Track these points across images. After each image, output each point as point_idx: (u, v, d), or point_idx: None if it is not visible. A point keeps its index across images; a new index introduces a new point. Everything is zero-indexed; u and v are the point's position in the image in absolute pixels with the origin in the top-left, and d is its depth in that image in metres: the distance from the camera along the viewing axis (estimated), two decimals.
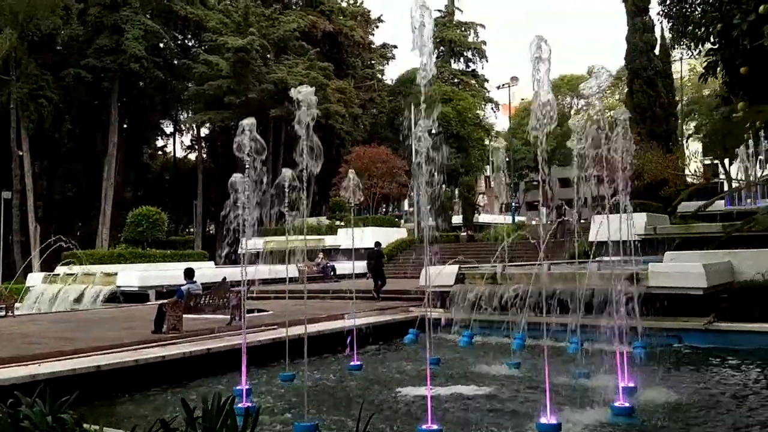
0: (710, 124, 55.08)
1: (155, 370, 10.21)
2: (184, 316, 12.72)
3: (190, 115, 49.43)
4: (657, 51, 33.19)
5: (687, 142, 54.93)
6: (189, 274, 13.16)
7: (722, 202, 37.85)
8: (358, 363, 11.00)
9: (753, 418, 7.31)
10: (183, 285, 13.01)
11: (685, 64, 45.70)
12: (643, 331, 11.75)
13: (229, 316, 13.45)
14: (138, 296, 22.49)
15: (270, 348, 11.45)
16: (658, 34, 34.74)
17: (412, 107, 43.36)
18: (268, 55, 44.23)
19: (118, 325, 14.47)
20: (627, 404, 7.30)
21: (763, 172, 54.71)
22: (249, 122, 9.46)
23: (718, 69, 6.39)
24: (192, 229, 57.64)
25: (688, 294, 12.60)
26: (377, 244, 23.37)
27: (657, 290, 12.69)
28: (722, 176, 63.37)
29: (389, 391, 9.23)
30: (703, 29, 5.89)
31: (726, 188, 61.11)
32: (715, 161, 63.42)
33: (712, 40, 5.88)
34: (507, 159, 65.73)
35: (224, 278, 13.52)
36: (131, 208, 34.21)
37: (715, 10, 5.41)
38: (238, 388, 8.99)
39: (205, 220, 53.56)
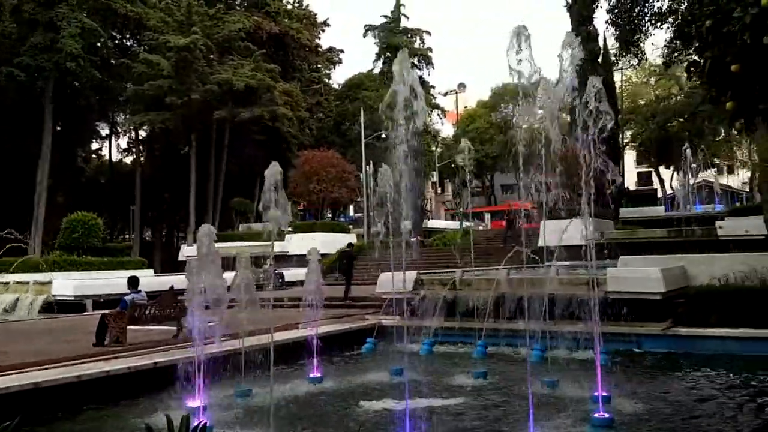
0: (646, 134, 57.08)
1: (99, 387, 9.46)
2: (128, 327, 11.91)
3: (128, 116, 47.52)
4: (600, 60, 33.82)
5: (624, 150, 56.54)
6: (133, 283, 12.35)
7: (662, 208, 39.16)
8: (318, 375, 10.48)
9: (734, 427, 7.21)
10: (127, 294, 12.18)
11: (622, 74, 47.02)
12: (603, 337, 11.70)
13: (175, 328, 12.70)
14: (74, 306, 21.33)
15: (223, 361, 10.80)
16: (601, 43, 35.51)
17: (362, 114, 43.22)
18: (212, 56, 43.04)
19: (56, 337, 13.50)
20: (607, 415, 7.05)
21: (695, 180, 56.86)
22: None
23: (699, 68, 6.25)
24: (129, 236, 55.57)
25: (646, 299, 12.61)
26: (350, 245, 23.26)
27: (615, 295, 12.64)
28: (656, 183, 65.79)
29: (354, 406, 8.75)
30: (692, 27, 5.73)
31: (660, 195, 63.41)
32: (649, 169, 65.81)
33: (698, 39, 5.73)
34: (453, 165, 66.31)
35: (172, 287, 12.75)
36: (65, 213, 32.50)
37: (711, 3, 5.27)
38: (191, 405, 8.36)
39: (142, 227, 51.67)
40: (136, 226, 47.96)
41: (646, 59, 24.51)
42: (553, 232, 24.91)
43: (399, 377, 10.58)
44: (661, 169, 62.61)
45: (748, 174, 53.93)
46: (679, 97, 56.70)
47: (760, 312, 11.59)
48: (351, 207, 61.03)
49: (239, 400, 9.25)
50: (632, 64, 27.83)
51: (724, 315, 12.03)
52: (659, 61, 51.97)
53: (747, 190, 52.80)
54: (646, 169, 64.98)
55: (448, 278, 15.31)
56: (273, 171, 9.43)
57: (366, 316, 16.91)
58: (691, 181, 56.61)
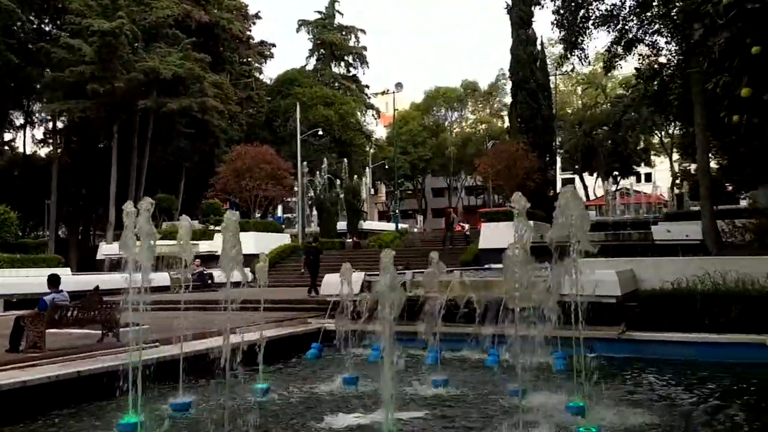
0: (573, 141, 58.63)
1: (14, 399, 8.28)
2: (47, 331, 10.62)
3: (45, 104, 44.37)
4: (538, 64, 34.20)
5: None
6: (54, 281, 11.05)
7: (593, 212, 40.09)
8: (264, 385, 9.58)
9: None
10: (46, 294, 10.88)
11: (556, 79, 47.92)
12: (556, 342, 11.37)
13: (100, 332, 11.48)
14: None
15: (156, 370, 9.75)
16: (538, 47, 35.89)
17: (298, 109, 42.11)
18: (137, 43, 40.80)
19: None
20: (593, 427, 6.55)
21: (617, 187, 58.80)
22: None
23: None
24: (43, 233, 52.12)
25: (601, 302, 12.37)
26: (315, 239, 22.83)
27: (569, 298, 12.34)
28: (579, 190, 67.76)
29: (311, 421, 7.91)
30: (707, 4, 5.31)
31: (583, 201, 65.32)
32: (573, 175, 67.75)
33: (711, 18, 5.32)
34: (386, 167, 66.05)
35: (97, 287, 11.53)
36: None
37: None
38: (125, 422, 7.35)
39: (58, 223, 48.52)
40: (51, 221, 44.88)
41: (589, 62, 24.83)
42: (493, 235, 24.85)
43: (353, 387, 9.86)
44: (585, 175, 64.58)
45: (668, 182, 56.18)
46: (604, 106, 58.58)
47: (713, 316, 11.57)
48: (280, 207, 59.52)
49: (179, 415, 8.27)
50: (572, 69, 28.13)
51: (677, 319, 11.96)
52: (587, 69, 53.86)
53: (666, 197, 54.96)
54: (570, 176, 66.77)
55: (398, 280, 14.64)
56: None
57: (308, 319, 16.07)
58: (612, 188, 58.80)
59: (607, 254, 19.64)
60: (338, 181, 48.02)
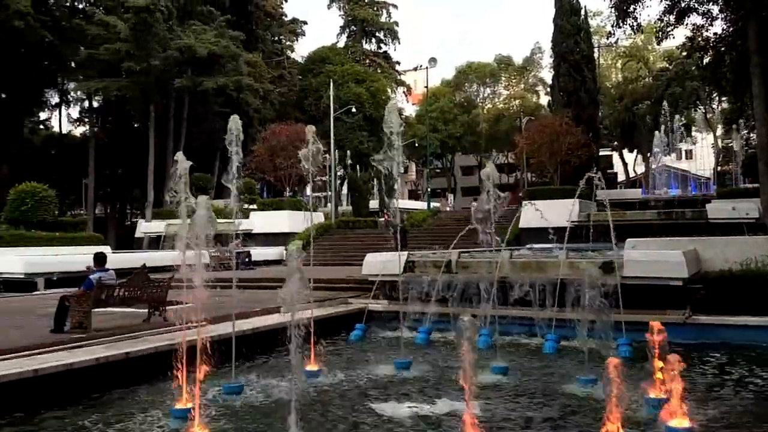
0: (613, 116, 57.02)
1: (60, 382, 8.01)
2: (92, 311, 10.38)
3: (81, 83, 44.44)
4: (582, 35, 33.06)
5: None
6: (100, 260, 10.81)
7: (639, 190, 39.01)
8: (316, 368, 9.20)
9: None
10: (90, 273, 10.64)
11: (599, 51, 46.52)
12: (619, 327, 10.77)
13: (146, 311, 11.23)
14: (23, 284, 19.49)
15: (206, 350, 9.44)
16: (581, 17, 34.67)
17: (332, 86, 41.53)
18: (172, 21, 40.49)
19: (4, 322, 11.85)
20: (686, 424, 5.97)
21: (658, 164, 57.28)
22: None
23: None
24: (81, 211, 52.71)
25: (666, 285, 11.72)
26: (401, 219, 23.57)
27: (632, 281, 11.72)
28: (617, 167, 66.18)
29: (363, 409, 7.47)
30: None
31: (622, 178, 63.81)
32: (612, 152, 66.11)
33: None
34: (416, 145, 65.20)
35: (143, 265, 11.25)
36: (10, 186, 29.97)
37: None
38: (177, 408, 7.02)
39: (95, 202, 48.97)
40: (89, 200, 45.31)
41: (642, 31, 23.73)
42: (535, 214, 24.07)
43: (407, 372, 9.43)
44: (624, 152, 62.94)
45: (711, 159, 54.48)
46: (646, 80, 56.76)
47: None
48: (308, 186, 59.29)
49: (230, 399, 7.94)
50: (616, 41, 26.99)
51: (747, 302, 11.25)
52: (628, 42, 52.13)
53: (707, 175, 53.32)
54: (609, 152, 65.16)
55: (442, 260, 14.15)
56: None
57: (349, 299, 15.69)
58: (653, 166, 57.22)
59: (660, 234, 18.95)
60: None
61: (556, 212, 23.01)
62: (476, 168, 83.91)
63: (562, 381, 8.64)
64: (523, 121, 52.90)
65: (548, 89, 57.38)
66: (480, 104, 77.33)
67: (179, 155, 8.22)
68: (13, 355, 8.57)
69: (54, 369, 8.09)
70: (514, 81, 77.12)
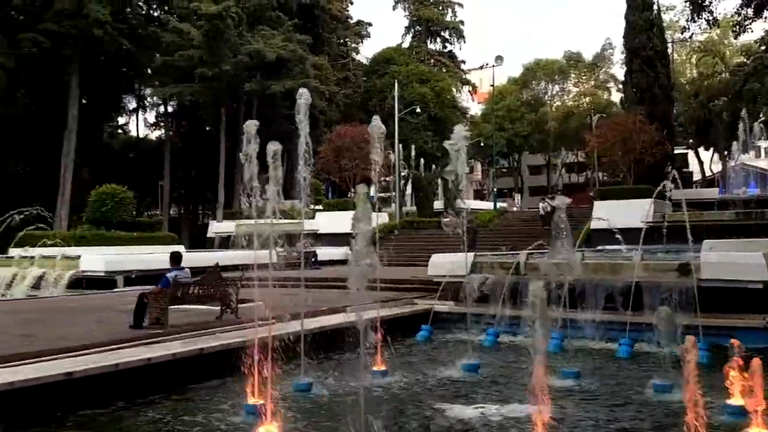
0: (688, 113, 54.79)
1: (138, 376, 8.33)
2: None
3: (156, 88, 46.32)
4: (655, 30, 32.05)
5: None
6: (176, 259, 11.22)
7: (716, 190, 37.37)
8: (383, 368, 9.24)
9: None
10: (167, 271, 11.05)
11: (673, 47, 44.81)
12: (696, 331, 10.33)
13: (219, 308, 11.57)
14: (103, 282, 20.38)
15: (275, 347, 9.64)
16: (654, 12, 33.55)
17: (396, 87, 41.67)
18: (241, 27, 41.63)
19: (87, 317, 12.45)
20: None
21: (735, 162, 54.67)
22: None
23: None
24: (156, 212, 54.84)
25: (744, 288, 11.19)
26: (471, 220, 23.69)
27: (709, 283, 11.25)
28: (692, 166, 63.49)
29: (430, 411, 7.46)
30: None
31: (698, 177, 61.20)
32: (686, 150, 63.50)
33: None
34: (481, 144, 64.63)
35: (217, 264, 11.60)
36: (91, 189, 31.55)
37: None
38: (249, 403, 7.20)
39: (170, 202, 50.89)
40: (164, 201, 47.17)
41: (718, 25, 22.77)
42: (607, 214, 23.42)
43: (474, 374, 9.36)
44: (700, 150, 60.37)
45: None
46: (722, 75, 54.29)
47: None
48: (372, 186, 59.69)
49: (299, 396, 8.08)
50: (690, 35, 25.95)
51: None
52: (703, 36, 49.94)
53: None
54: (683, 150, 62.54)
55: (511, 262, 13.96)
56: None
57: (415, 300, 15.68)
58: (731, 164, 54.59)
59: (739, 235, 18.08)
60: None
61: (630, 213, 22.36)
62: (544, 167, 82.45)
63: (636, 386, 8.39)
64: (593, 118, 51.60)
65: (620, 86, 55.73)
66: (548, 102, 75.91)
67: (242, 157, 8.38)
68: (96, 349, 8.99)
69: (134, 363, 8.43)
70: (583, 78, 75.34)
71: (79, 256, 21.04)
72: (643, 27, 30.50)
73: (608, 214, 24.12)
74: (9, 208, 25.78)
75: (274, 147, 8.08)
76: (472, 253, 14.93)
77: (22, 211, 23.50)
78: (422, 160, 53.85)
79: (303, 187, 9.79)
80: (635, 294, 11.46)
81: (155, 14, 48.59)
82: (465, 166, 10.57)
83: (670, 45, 39.53)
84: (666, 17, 49.77)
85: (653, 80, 30.39)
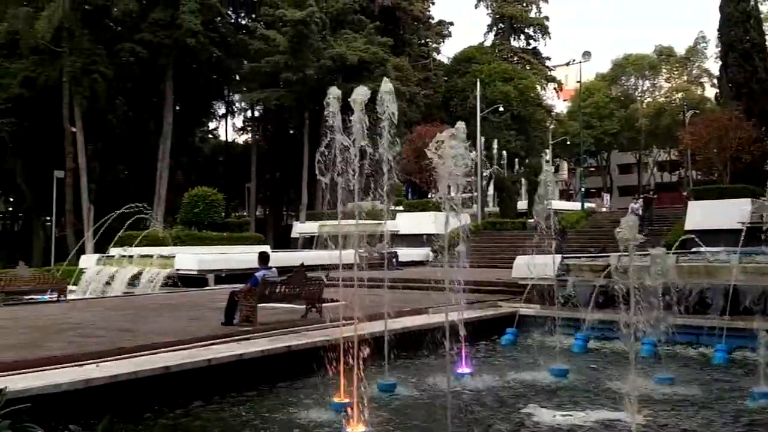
0: None
1: (230, 372, 8.60)
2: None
3: (244, 94, 48.00)
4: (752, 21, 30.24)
5: None
6: (264, 259, 11.56)
7: None
8: (467, 371, 9.14)
9: None
10: (256, 271, 11.39)
11: None
12: None
13: (304, 306, 11.83)
14: (196, 280, 21.25)
15: (360, 347, 9.72)
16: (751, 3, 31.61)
17: (478, 85, 41.25)
18: (325, 31, 42.45)
19: (181, 314, 13.02)
20: None
21: None
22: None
23: None
24: (243, 213, 56.78)
25: None
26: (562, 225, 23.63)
27: None
28: None
29: (516, 415, 7.30)
30: None
31: None
32: None
33: None
34: (567, 142, 62.90)
35: (302, 264, 11.86)
36: (184, 191, 33.04)
37: None
38: (335, 401, 7.30)
39: (257, 203, 52.56)
40: (251, 203, 48.78)
41: None
42: (703, 215, 22.23)
43: (563, 379, 9.10)
44: None
45: None
46: None
47: None
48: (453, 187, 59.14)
49: (384, 396, 8.11)
50: None
51: None
52: None
53: None
54: None
55: (601, 264, 13.49)
56: None
57: (499, 302, 15.43)
58: None
59: None
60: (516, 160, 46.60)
61: (726, 213, 21.15)
62: (635, 166, 79.26)
63: (733, 394, 7.93)
64: (687, 115, 49.20)
65: (714, 81, 52.86)
66: (638, 98, 72.90)
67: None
68: (190, 345, 9.37)
69: (226, 359, 8.73)
70: (676, 73, 71.87)
71: (173, 256, 22.01)
72: (739, 19, 28.86)
73: (703, 214, 23.03)
74: (108, 211, 27.38)
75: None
76: (560, 256, 14.55)
77: (134, 207, 24.90)
78: (504, 155, 52.82)
79: (385, 188, 9.78)
80: (733, 298, 10.85)
81: (243, 22, 50.32)
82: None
83: None
84: (764, 8, 46.78)
85: (750, 75, 28.68)
